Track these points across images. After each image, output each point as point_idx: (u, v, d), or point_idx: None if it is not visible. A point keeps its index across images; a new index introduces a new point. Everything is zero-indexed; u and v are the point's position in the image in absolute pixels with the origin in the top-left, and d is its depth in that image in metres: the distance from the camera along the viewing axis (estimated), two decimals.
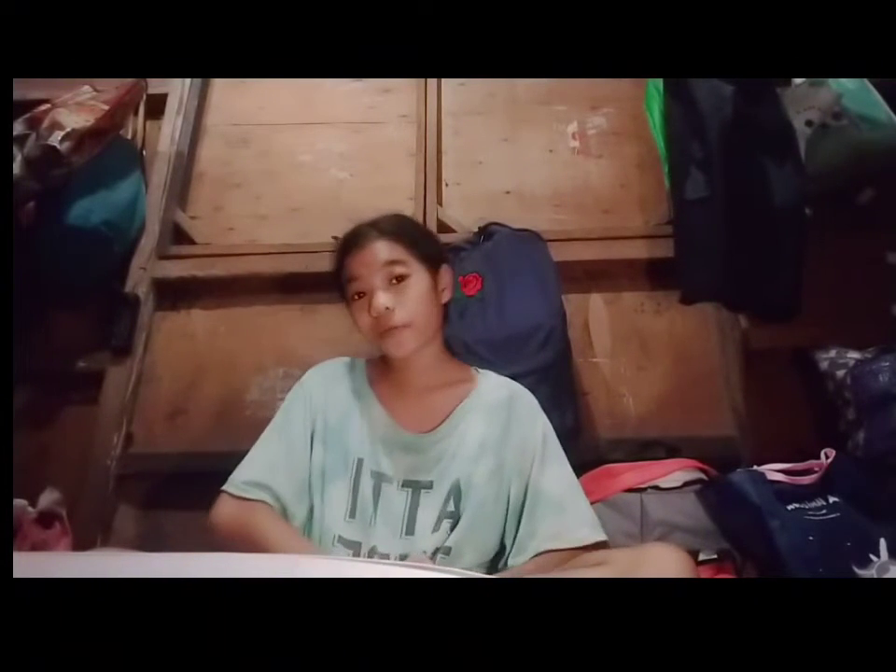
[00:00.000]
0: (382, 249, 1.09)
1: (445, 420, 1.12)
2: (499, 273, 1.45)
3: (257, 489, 1.06)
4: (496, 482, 1.08)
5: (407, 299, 1.07)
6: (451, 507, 1.06)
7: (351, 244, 1.12)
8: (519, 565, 1.04)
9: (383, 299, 1.06)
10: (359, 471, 1.08)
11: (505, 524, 1.08)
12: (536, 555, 1.03)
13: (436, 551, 1.04)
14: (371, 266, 1.08)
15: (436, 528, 1.05)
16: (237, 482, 1.08)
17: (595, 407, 1.56)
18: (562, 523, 1.04)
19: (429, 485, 1.08)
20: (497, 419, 1.11)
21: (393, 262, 1.08)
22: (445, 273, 1.17)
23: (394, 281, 1.08)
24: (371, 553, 1.03)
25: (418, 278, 1.10)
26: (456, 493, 1.07)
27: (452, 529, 1.05)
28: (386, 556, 1.03)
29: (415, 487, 1.08)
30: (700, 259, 1.51)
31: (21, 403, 1.58)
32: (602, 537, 1.05)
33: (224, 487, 1.08)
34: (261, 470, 1.08)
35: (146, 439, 1.59)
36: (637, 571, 0.82)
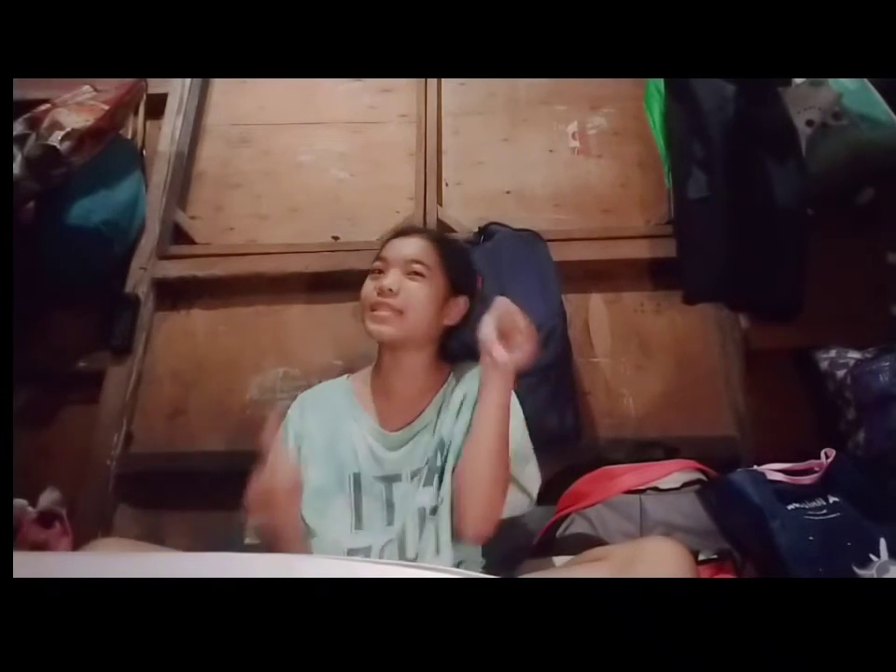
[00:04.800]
0: (416, 246, 1.17)
1: (429, 405, 1.17)
2: (500, 273, 1.45)
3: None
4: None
5: (412, 292, 1.13)
6: (438, 461, 1.11)
7: (400, 231, 1.23)
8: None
9: (392, 280, 1.13)
10: (359, 485, 1.12)
11: None
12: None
13: (434, 510, 1.08)
14: (400, 253, 1.16)
15: (428, 482, 1.10)
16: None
17: (595, 407, 1.56)
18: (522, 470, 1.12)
19: (427, 461, 1.12)
20: (471, 382, 1.16)
21: (418, 261, 1.15)
22: (461, 305, 1.20)
23: (410, 275, 1.14)
24: (385, 547, 1.07)
25: (432, 286, 1.15)
26: (442, 448, 1.12)
27: (440, 483, 1.10)
28: (402, 538, 1.07)
29: (420, 471, 1.12)
30: (702, 259, 1.51)
31: (21, 403, 1.58)
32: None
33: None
34: None
35: (146, 439, 1.59)
36: (635, 564, 0.82)
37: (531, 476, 1.14)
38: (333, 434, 1.16)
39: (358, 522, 1.09)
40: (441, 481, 1.10)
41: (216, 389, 1.63)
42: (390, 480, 1.12)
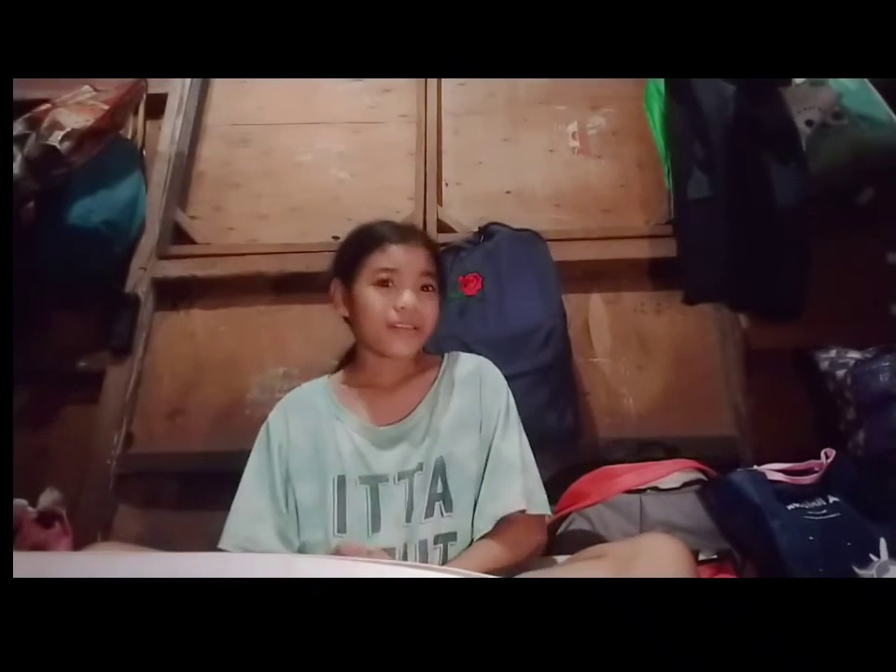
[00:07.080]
0: (427, 258, 1.14)
1: (421, 402, 1.13)
2: (499, 273, 1.45)
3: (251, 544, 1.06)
4: (479, 456, 1.09)
5: (428, 308, 1.12)
6: (439, 488, 1.07)
7: (401, 236, 1.14)
8: (483, 530, 1.05)
9: (411, 298, 1.10)
10: (342, 487, 1.08)
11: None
12: (498, 521, 1.05)
13: (438, 538, 1.04)
14: (413, 266, 1.12)
15: (429, 513, 1.06)
16: (234, 537, 1.06)
17: (595, 407, 1.56)
18: (525, 486, 1.07)
19: (420, 467, 1.08)
20: (469, 390, 1.14)
21: (429, 274, 1.14)
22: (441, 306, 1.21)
23: (423, 289, 1.12)
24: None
25: (437, 297, 1.15)
26: (442, 472, 1.08)
27: (445, 512, 1.06)
28: (392, 550, 1.03)
29: (410, 475, 1.08)
30: (703, 260, 1.51)
31: (21, 403, 1.58)
32: (549, 511, 1.11)
33: (220, 545, 1.06)
34: (250, 523, 1.07)
35: (146, 439, 1.59)
36: (634, 562, 0.82)
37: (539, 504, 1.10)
38: (317, 440, 1.12)
39: (341, 526, 1.06)
40: (443, 511, 1.06)
41: (216, 389, 1.63)
42: (376, 480, 1.08)
